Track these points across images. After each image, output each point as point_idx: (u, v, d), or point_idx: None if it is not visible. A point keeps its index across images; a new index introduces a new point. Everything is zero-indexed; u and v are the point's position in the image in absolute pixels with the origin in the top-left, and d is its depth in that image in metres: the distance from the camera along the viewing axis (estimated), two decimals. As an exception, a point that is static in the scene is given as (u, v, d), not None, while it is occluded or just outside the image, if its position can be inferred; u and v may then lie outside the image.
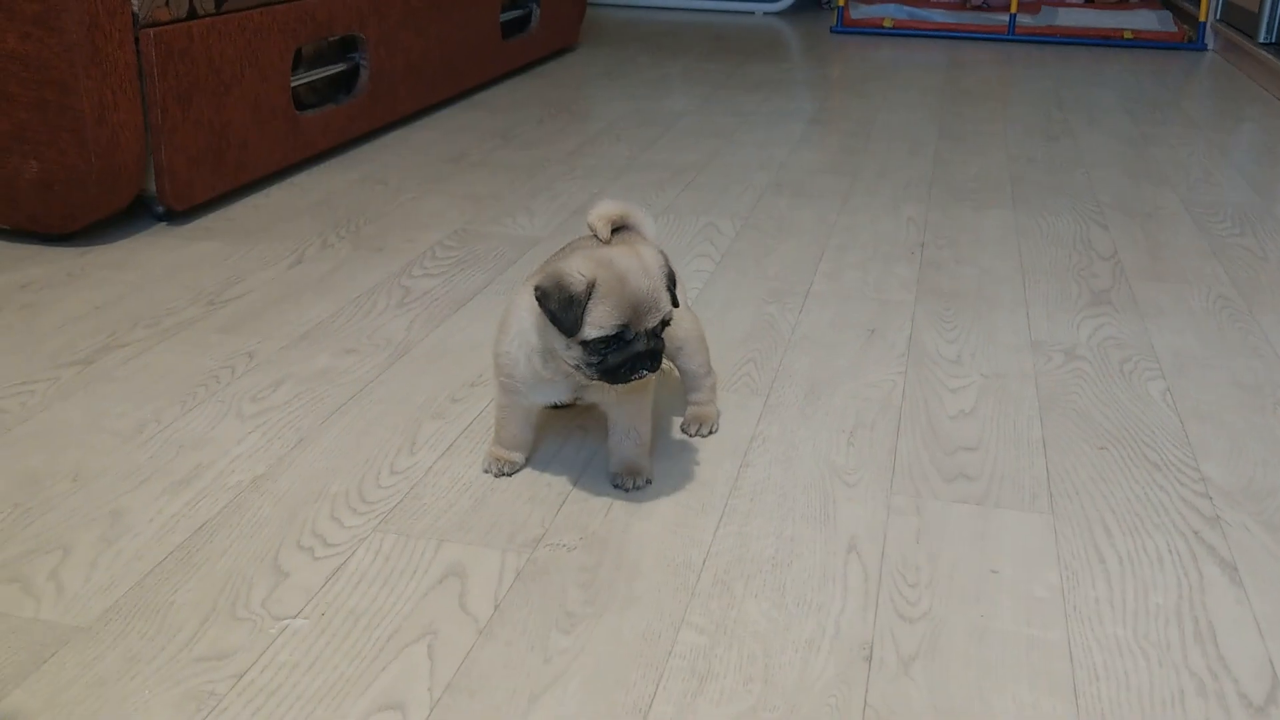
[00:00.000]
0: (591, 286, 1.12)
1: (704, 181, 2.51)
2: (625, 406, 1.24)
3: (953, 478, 1.31)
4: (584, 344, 1.13)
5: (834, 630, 1.05)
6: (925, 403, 1.49)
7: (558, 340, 1.15)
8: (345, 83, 2.76)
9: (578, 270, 1.13)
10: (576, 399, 1.26)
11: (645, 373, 1.15)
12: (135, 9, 1.98)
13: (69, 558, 1.13)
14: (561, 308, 1.12)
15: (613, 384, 1.17)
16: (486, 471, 1.29)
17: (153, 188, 2.09)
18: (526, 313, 1.20)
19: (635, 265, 1.14)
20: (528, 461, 1.32)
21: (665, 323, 1.16)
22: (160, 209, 2.14)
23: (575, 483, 1.28)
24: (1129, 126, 3.11)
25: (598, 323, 1.12)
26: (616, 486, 1.27)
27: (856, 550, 1.17)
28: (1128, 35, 4.48)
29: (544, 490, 1.27)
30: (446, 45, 3.09)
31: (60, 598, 1.08)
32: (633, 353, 1.14)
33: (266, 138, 2.36)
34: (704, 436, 1.39)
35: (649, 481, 1.28)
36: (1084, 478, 1.32)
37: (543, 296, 1.13)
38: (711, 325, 1.72)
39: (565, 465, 1.32)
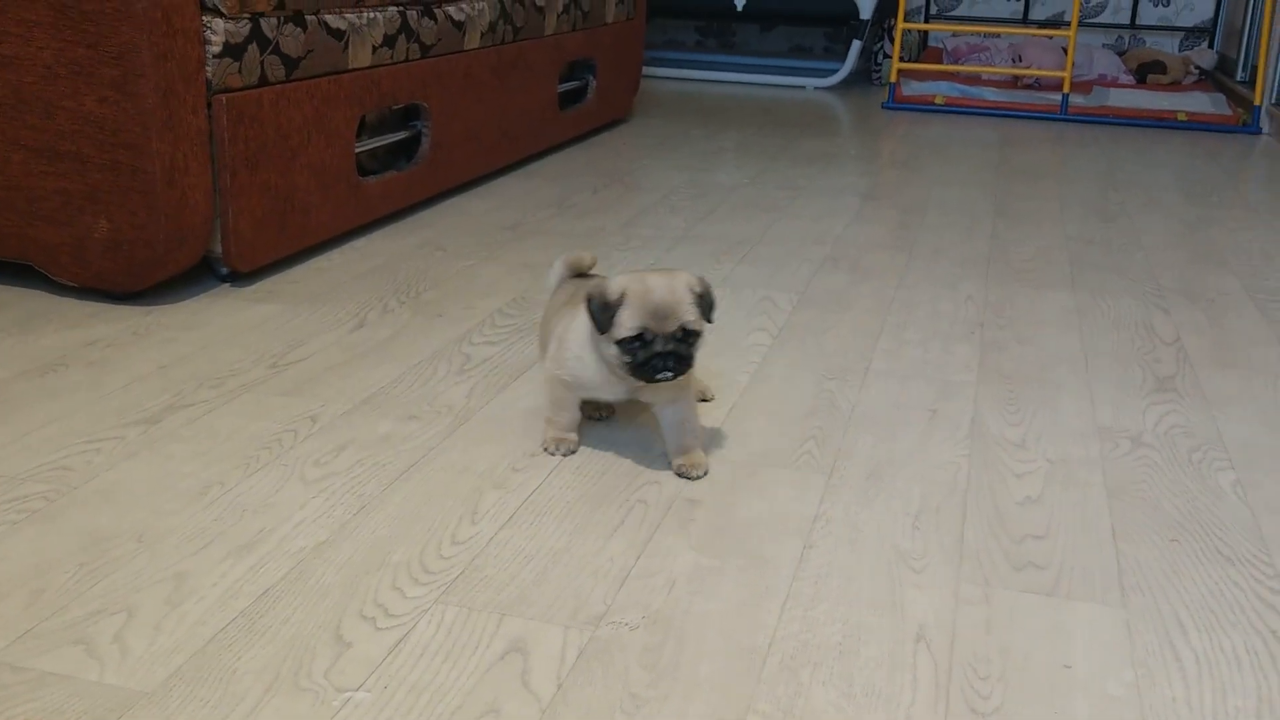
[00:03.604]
0: (623, 295, 1.40)
1: (759, 254, 2.51)
2: (673, 404, 1.49)
3: (1022, 566, 1.29)
4: (617, 343, 1.40)
5: (904, 722, 1.02)
6: (990, 487, 1.47)
7: (601, 340, 1.43)
8: (405, 149, 2.81)
9: (616, 283, 1.41)
10: (632, 398, 1.50)
11: (668, 372, 1.40)
12: (209, 75, 2.03)
13: (133, 620, 1.13)
14: (599, 310, 1.40)
15: (642, 379, 1.42)
16: (549, 452, 1.51)
17: (219, 249, 2.13)
18: (585, 324, 1.46)
19: (662, 283, 1.41)
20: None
21: (688, 331, 1.41)
22: (225, 270, 2.17)
23: (638, 557, 1.27)
24: (1186, 209, 3.09)
25: (624, 324, 1.39)
26: (681, 475, 1.48)
27: (925, 640, 1.15)
28: (1181, 117, 4.47)
29: (606, 564, 1.26)
30: (505, 114, 3.14)
31: (125, 661, 1.07)
32: (653, 352, 1.39)
33: (330, 202, 2.39)
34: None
35: (706, 472, 1.49)
36: (1156, 570, 1.29)
37: (588, 301, 1.42)
38: (770, 400, 1.72)
39: (627, 539, 1.31)
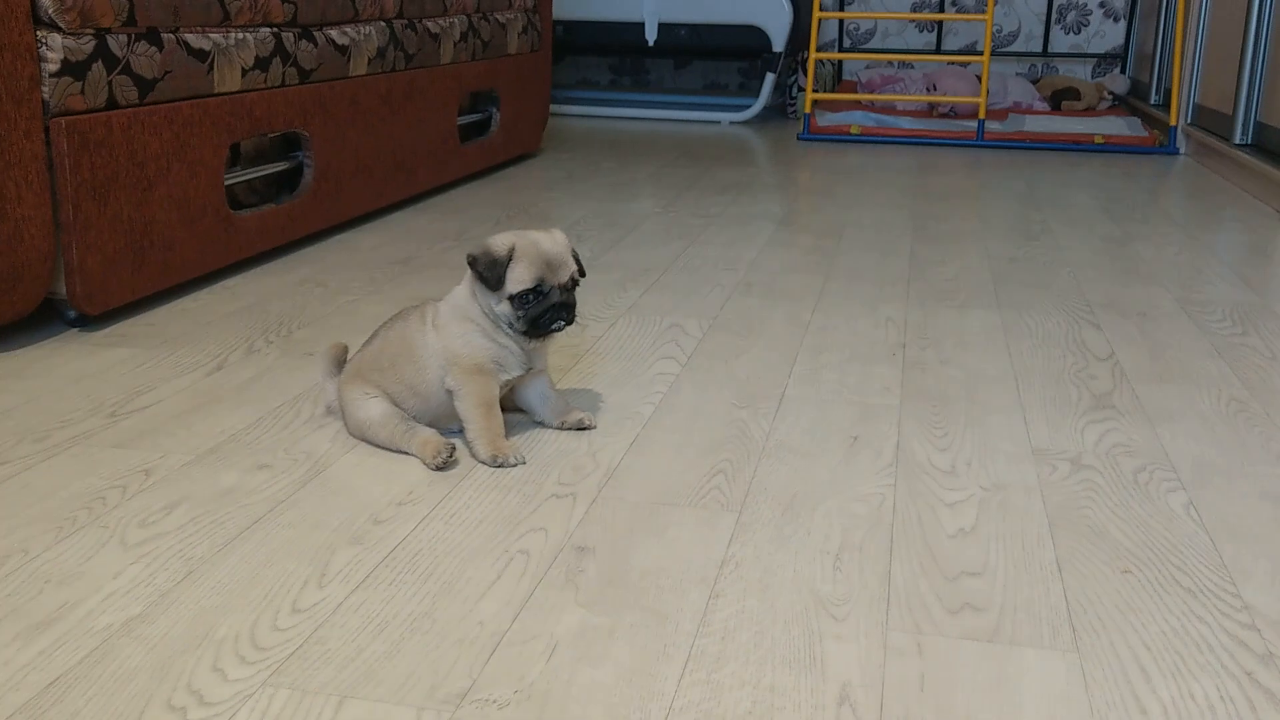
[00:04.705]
0: (511, 251, 1.40)
1: (669, 282, 2.35)
2: (542, 374, 1.52)
3: (957, 609, 1.12)
4: (510, 299, 1.40)
5: (826, 808, 0.84)
6: (920, 519, 1.30)
7: (491, 301, 1.41)
8: (289, 182, 2.61)
9: (500, 240, 1.41)
10: (529, 368, 1.48)
11: (563, 323, 1.42)
12: (46, 96, 1.82)
13: (-121, 726, 0.92)
14: (488, 268, 1.39)
15: (536, 336, 1.43)
16: (501, 466, 1.41)
17: (63, 290, 1.91)
18: (457, 306, 1.44)
19: (545, 236, 1.43)
20: None
21: (575, 281, 1.43)
22: (72, 313, 1.95)
23: (514, 619, 1.08)
24: (1110, 226, 3.00)
25: (519, 279, 1.39)
26: (582, 428, 1.53)
27: (850, 702, 0.97)
28: (1099, 140, 4.42)
29: (474, 630, 1.06)
30: (399, 146, 2.95)
31: None
32: (550, 304, 1.41)
33: (196, 238, 2.19)
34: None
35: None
36: (1109, 607, 1.13)
37: (473, 261, 1.40)
38: (675, 432, 1.54)
39: (502, 598, 1.12)
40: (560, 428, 1.54)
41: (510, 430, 1.52)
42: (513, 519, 1.29)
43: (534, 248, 1.41)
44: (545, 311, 1.41)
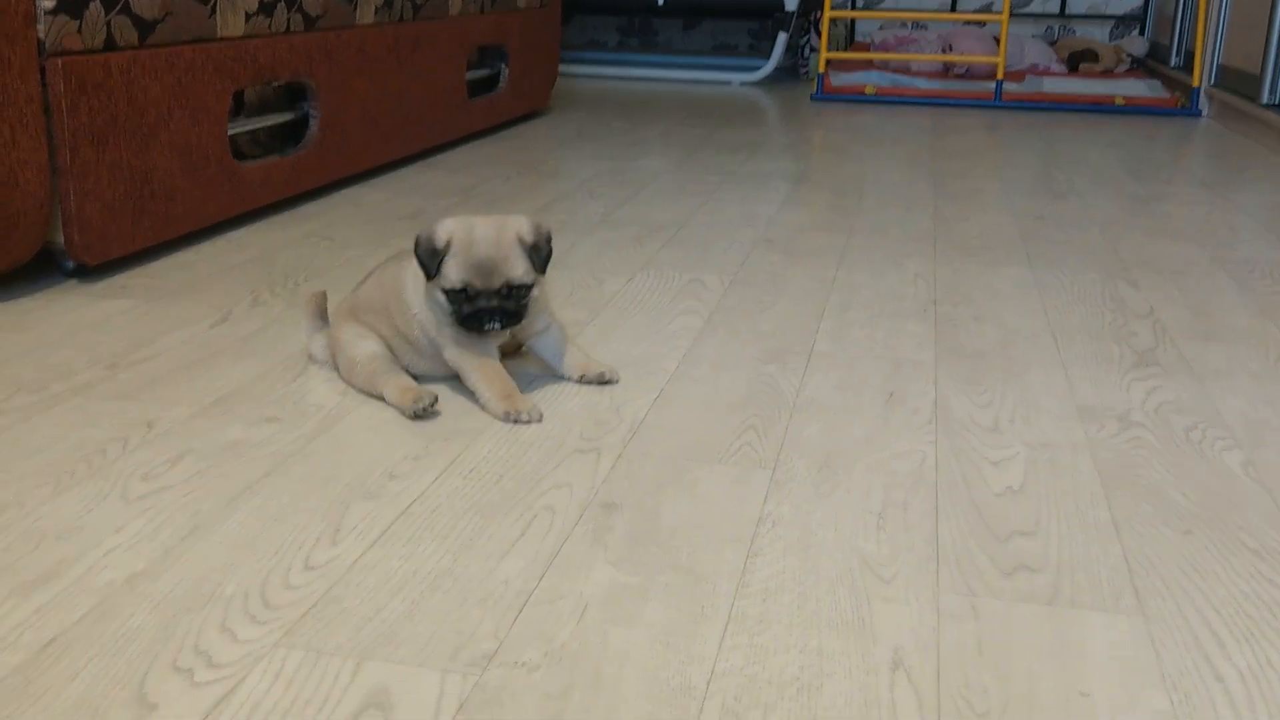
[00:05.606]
0: (449, 244, 1.32)
1: (686, 237, 2.27)
2: (544, 334, 1.45)
3: (1011, 570, 1.05)
4: (444, 293, 1.33)
5: (886, 781, 0.78)
6: (965, 477, 1.23)
7: (434, 290, 1.34)
8: (294, 134, 2.53)
9: (445, 227, 1.33)
10: (511, 335, 1.42)
11: (496, 326, 1.34)
12: (41, 35, 1.74)
13: None
14: (426, 255, 1.33)
15: (470, 330, 1.35)
16: (516, 422, 1.33)
17: (60, 239, 1.83)
18: (416, 284, 1.38)
19: (489, 235, 1.33)
20: None
21: (514, 286, 1.33)
22: (70, 264, 1.88)
23: (541, 577, 1.01)
24: (1136, 186, 2.91)
25: (447, 277, 1.32)
26: (603, 382, 1.46)
27: (904, 667, 0.90)
28: (1119, 101, 4.33)
29: (499, 589, 1.00)
30: (406, 99, 2.87)
31: None
32: (478, 308, 1.32)
33: (198, 188, 2.11)
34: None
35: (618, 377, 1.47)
36: (1173, 569, 1.06)
37: (416, 243, 1.34)
38: (703, 386, 1.47)
39: (527, 556, 1.05)
40: (581, 381, 1.47)
41: (528, 384, 1.45)
42: (535, 475, 1.22)
43: (468, 248, 1.32)
44: (475, 312, 1.32)
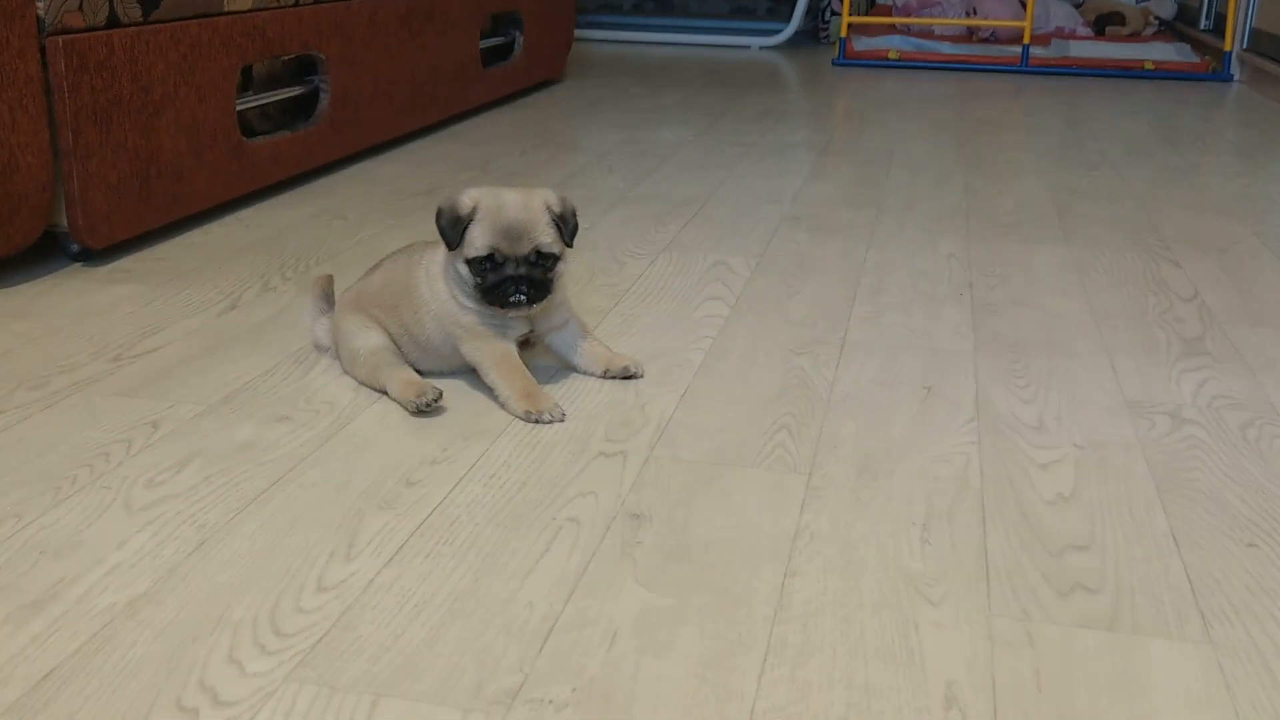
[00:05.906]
0: (474, 210, 1.27)
1: (710, 215, 2.20)
2: (564, 329, 1.39)
3: (1067, 590, 0.99)
4: (467, 262, 1.27)
5: (944, 838, 0.72)
6: (1011, 483, 1.17)
7: (451, 257, 1.29)
8: (304, 108, 2.46)
9: (468, 195, 1.28)
10: (532, 330, 1.36)
11: (522, 296, 1.27)
12: (41, 13, 1.67)
13: None
14: (449, 225, 1.28)
15: (494, 305, 1.28)
16: (538, 422, 1.28)
17: (64, 222, 1.77)
18: (441, 260, 1.32)
19: (517, 200, 1.28)
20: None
21: (542, 254, 1.27)
22: (74, 247, 1.82)
23: (568, 599, 0.96)
24: (1171, 156, 2.82)
25: (473, 243, 1.27)
26: (628, 376, 1.40)
27: (959, 705, 0.84)
28: (1148, 65, 4.21)
29: (523, 614, 0.94)
30: (419, 70, 2.79)
31: None
32: (504, 275, 1.26)
33: (206, 167, 2.04)
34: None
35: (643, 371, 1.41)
36: (1238, 587, 1.00)
37: (438, 214, 1.29)
38: (731, 382, 1.40)
39: (553, 575, 0.99)
40: (604, 376, 1.41)
41: (549, 379, 1.39)
42: (558, 481, 1.16)
43: (496, 211, 1.27)
44: (502, 282, 1.26)
